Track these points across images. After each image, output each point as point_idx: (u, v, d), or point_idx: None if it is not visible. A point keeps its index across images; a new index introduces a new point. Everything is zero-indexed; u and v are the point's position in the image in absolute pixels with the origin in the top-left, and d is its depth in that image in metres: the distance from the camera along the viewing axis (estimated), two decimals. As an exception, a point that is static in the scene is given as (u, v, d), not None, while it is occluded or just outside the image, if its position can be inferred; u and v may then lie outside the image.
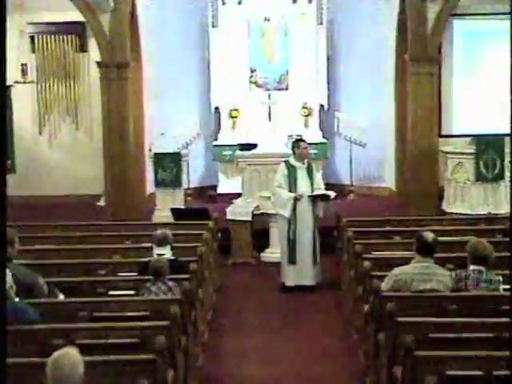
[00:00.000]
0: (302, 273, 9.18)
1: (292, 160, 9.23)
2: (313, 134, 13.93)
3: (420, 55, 12.00)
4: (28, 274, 5.87)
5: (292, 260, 9.18)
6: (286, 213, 9.08)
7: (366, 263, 6.80)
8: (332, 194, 9.27)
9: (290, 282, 9.23)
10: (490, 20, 13.12)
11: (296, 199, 9.04)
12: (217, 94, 14.27)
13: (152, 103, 13.57)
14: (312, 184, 9.15)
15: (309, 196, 9.07)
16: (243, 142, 13.26)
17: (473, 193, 11.42)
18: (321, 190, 9.22)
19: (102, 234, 8.88)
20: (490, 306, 5.63)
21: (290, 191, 9.08)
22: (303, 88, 14.09)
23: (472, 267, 5.85)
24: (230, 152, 13.54)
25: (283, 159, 9.40)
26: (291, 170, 9.15)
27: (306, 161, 9.27)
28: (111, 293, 6.46)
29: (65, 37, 13.71)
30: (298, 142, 9.42)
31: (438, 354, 4.82)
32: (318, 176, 9.40)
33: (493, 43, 13.04)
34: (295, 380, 6.63)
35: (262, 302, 8.93)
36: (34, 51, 13.75)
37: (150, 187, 12.75)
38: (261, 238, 10.66)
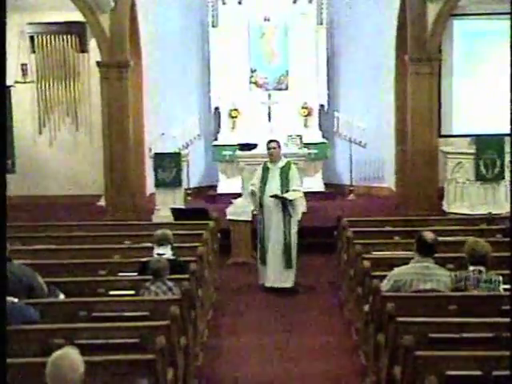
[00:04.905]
0: (273, 274, 9.19)
1: (268, 161, 9.33)
2: (313, 134, 13.96)
3: (420, 55, 12.01)
4: (27, 274, 5.88)
5: (263, 261, 9.25)
6: (255, 207, 9.37)
7: (366, 263, 6.81)
8: (292, 195, 9.13)
9: (260, 281, 9.35)
10: (490, 20, 13.12)
11: (252, 192, 9.27)
12: (217, 94, 14.27)
13: (152, 103, 13.57)
14: (284, 185, 9.14)
15: (269, 196, 9.10)
16: (243, 142, 13.25)
17: (473, 193, 11.42)
18: (296, 192, 9.16)
19: (102, 234, 8.88)
20: (489, 306, 5.63)
21: (261, 192, 9.18)
22: (303, 88, 14.09)
23: (472, 267, 5.86)
24: (230, 152, 13.54)
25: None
26: (265, 171, 9.25)
27: (282, 161, 9.30)
28: (111, 293, 6.46)
29: (65, 37, 13.70)
30: (267, 144, 9.48)
31: (438, 353, 4.82)
32: (294, 177, 9.23)
33: (493, 43, 13.03)
34: (295, 380, 6.62)
35: (262, 302, 8.92)
36: (34, 51, 13.73)
37: (149, 187, 12.75)
38: (261, 238, 10.65)
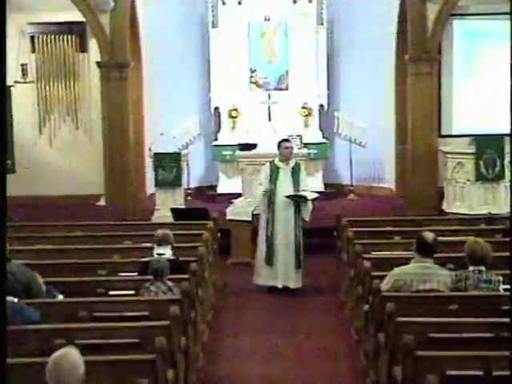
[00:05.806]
0: (283, 274, 9.12)
1: (277, 160, 9.26)
2: (313, 134, 13.97)
3: (420, 55, 12.02)
4: (26, 274, 5.88)
5: (269, 261, 9.14)
6: (264, 211, 9.15)
7: (366, 263, 6.81)
8: (309, 195, 9.18)
9: (258, 281, 9.25)
10: (490, 20, 13.12)
11: (266, 192, 9.08)
12: (217, 94, 14.27)
13: (152, 103, 13.57)
14: (296, 185, 9.12)
15: (285, 196, 9.05)
16: (243, 142, 13.25)
17: (473, 193, 11.42)
18: (305, 191, 9.16)
19: (102, 234, 8.87)
20: (490, 306, 5.64)
21: (271, 191, 9.10)
22: (303, 88, 14.09)
23: (472, 267, 5.86)
24: (230, 152, 13.55)
25: (269, 159, 9.42)
26: (274, 171, 9.17)
27: (292, 161, 9.27)
28: (111, 293, 6.46)
29: (65, 37, 13.69)
30: (280, 142, 9.41)
31: (438, 353, 4.82)
32: (304, 177, 9.29)
33: (493, 43, 13.03)
34: (295, 380, 6.63)
35: (262, 302, 8.93)
36: (34, 51, 13.72)
37: (150, 187, 12.75)
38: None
